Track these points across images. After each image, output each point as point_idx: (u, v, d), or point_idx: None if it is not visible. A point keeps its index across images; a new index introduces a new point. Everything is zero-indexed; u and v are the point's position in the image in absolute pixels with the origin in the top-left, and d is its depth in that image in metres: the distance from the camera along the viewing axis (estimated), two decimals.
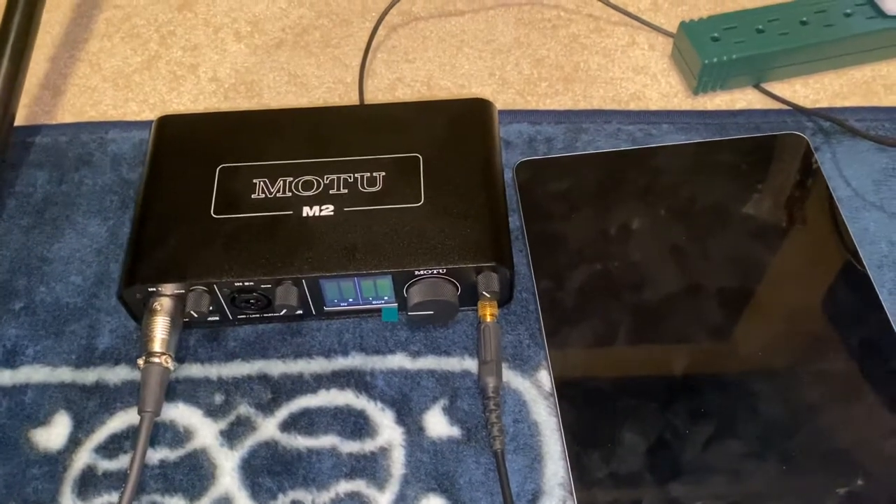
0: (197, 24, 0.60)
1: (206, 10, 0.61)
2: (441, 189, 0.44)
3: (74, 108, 0.56)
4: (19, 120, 0.53)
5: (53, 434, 0.42)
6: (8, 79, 0.49)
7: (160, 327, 0.41)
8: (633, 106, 0.54)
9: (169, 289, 0.41)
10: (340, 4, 0.60)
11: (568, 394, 0.41)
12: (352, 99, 0.55)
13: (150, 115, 0.55)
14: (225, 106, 0.55)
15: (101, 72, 0.57)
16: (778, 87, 0.54)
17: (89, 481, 0.40)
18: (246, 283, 0.41)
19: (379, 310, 0.44)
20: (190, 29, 0.60)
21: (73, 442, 0.41)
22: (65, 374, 0.44)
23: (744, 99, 0.54)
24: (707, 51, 0.52)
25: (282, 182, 0.44)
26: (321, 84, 0.56)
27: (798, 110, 0.52)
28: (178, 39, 0.59)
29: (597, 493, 0.38)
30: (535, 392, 0.42)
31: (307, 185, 0.44)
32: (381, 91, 0.55)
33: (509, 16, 0.59)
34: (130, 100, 0.56)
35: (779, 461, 0.39)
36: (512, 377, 0.43)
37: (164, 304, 0.41)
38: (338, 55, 0.58)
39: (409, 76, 0.56)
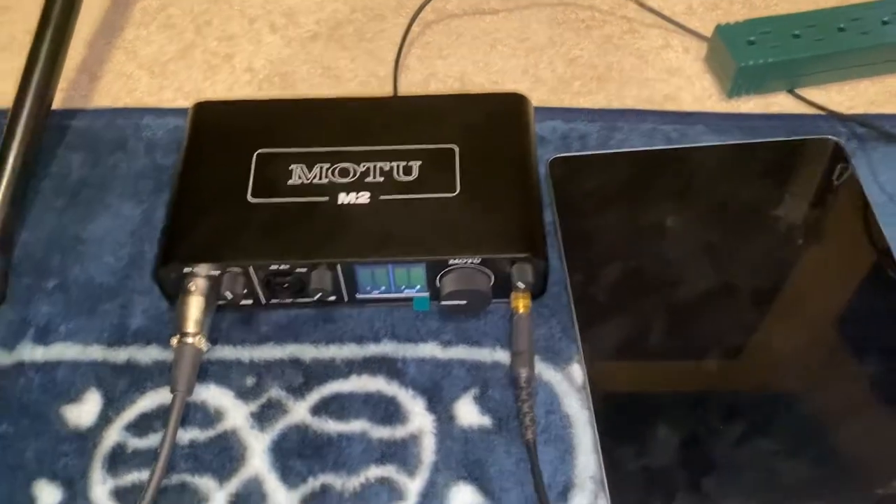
0: (232, 14, 0.60)
1: (241, 2, 0.61)
2: (476, 180, 0.44)
3: (110, 93, 0.56)
4: (56, 104, 0.53)
5: (84, 411, 0.42)
6: (49, 59, 0.50)
7: (195, 307, 0.41)
8: (666, 107, 0.54)
9: (204, 269, 0.41)
10: (374, 0, 0.61)
11: (601, 387, 0.41)
12: (385, 92, 0.55)
13: (185, 102, 0.55)
14: (259, 96, 0.55)
15: (136, 59, 0.58)
16: (812, 93, 0.54)
17: (119, 458, 0.40)
18: (282, 267, 0.41)
19: (410, 299, 0.44)
20: (225, 20, 0.60)
21: (104, 419, 0.41)
22: (96, 352, 0.44)
23: (778, 103, 0.54)
24: (743, 54, 0.52)
25: (318, 169, 0.44)
26: (354, 77, 0.56)
27: (832, 116, 0.52)
28: (214, 30, 0.59)
29: (629, 486, 0.38)
30: (566, 385, 0.42)
31: (343, 173, 0.44)
32: (415, 86, 0.56)
33: (543, 15, 0.59)
34: (165, 87, 0.56)
35: (813, 461, 0.38)
36: (544, 370, 0.42)
37: (199, 285, 0.41)
38: (371, 49, 0.58)
39: (442, 72, 0.56)
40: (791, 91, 0.54)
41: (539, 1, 0.60)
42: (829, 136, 0.50)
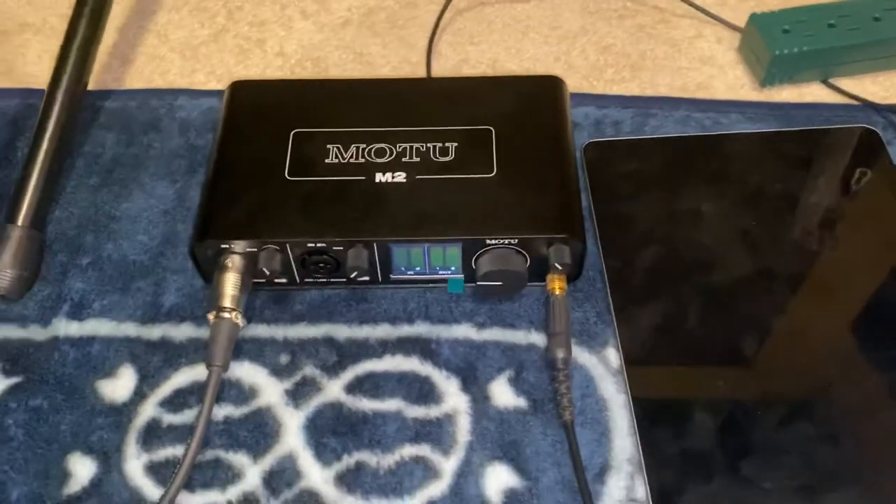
0: (264, 0, 0.60)
1: None
2: (513, 161, 0.44)
3: (142, 76, 0.56)
4: (88, 86, 0.53)
5: (119, 386, 0.42)
6: (85, 40, 0.50)
7: (231, 283, 0.41)
8: (700, 95, 0.53)
9: (241, 246, 0.41)
10: None
11: (637, 371, 0.41)
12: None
13: (217, 85, 0.55)
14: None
15: (168, 42, 0.58)
16: (847, 83, 0.53)
17: (154, 433, 0.40)
18: (318, 244, 0.41)
19: (444, 280, 0.44)
20: (257, 5, 0.60)
21: (138, 394, 0.41)
22: (130, 328, 0.44)
23: (812, 93, 0.53)
24: (777, 42, 0.52)
25: (355, 148, 0.44)
26: (387, 63, 0.56)
27: (868, 105, 0.52)
28: (246, 14, 0.60)
29: (667, 469, 0.38)
30: (602, 368, 0.42)
31: (380, 153, 0.44)
32: (447, 72, 0.55)
33: (575, 4, 0.59)
34: (197, 70, 0.56)
35: (852, 445, 0.38)
36: (579, 353, 0.42)
37: (235, 262, 0.41)
38: (403, 36, 0.58)
39: (474, 58, 0.56)
40: (825, 81, 0.54)
41: None
42: (866, 126, 0.50)
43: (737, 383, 0.40)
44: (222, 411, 0.41)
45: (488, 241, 0.42)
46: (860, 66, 0.53)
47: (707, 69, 0.55)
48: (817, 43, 0.52)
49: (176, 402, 0.41)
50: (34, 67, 0.57)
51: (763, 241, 0.45)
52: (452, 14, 0.59)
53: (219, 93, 0.52)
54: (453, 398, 0.41)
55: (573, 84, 0.54)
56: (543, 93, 0.47)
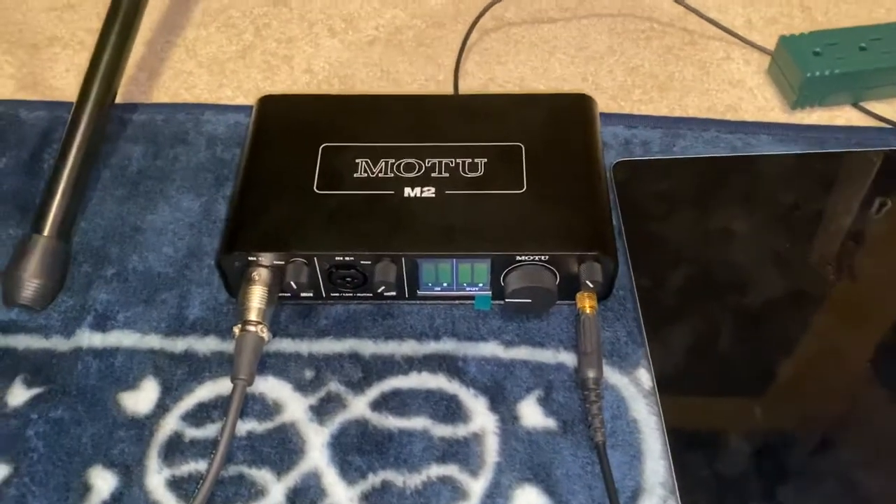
0: (292, 18, 0.61)
1: (300, 6, 0.61)
2: (543, 178, 0.43)
3: (169, 90, 0.56)
4: (116, 98, 0.53)
5: (141, 398, 0.41)
6: (115, 53, 0.50)
7: (258, 297, 0.40)
8: (728, 117, 0.53)
9: (268, 259, 0.41)
10: (433, 7, 0.61)
11: (670, 392, 0.40)
12: None
13: (245, 100, 0.55)
14: None
15: (196, 58, 0.58)
16: (878, 107, 0.53)
17: (176, 447, 0.40)
18: (346, 258, 0.41)
19: (471, 297, 0.44)
20: (285, 22, 0.60)
21: (161, 408, 0.41)
22: (154, 341, 0.43)
23: (843, 116, 0.53)
24: (809, 64, 0.51)
25: (384, 163, 0.44)
26: (413, 81, 0.56)
27: None
28: (273, 32, 0.60)
29: (700, 493, 0.37)
30: (633, 389, 0.41)
31: (409, 168, 0.44)
32: (474, 90, 0.55)
33: (602, 25, 0.59)
34: (224, 85, 0.56)
35: (891, 471, 0.37)
36: (610, 373, 0.41)
37: (262, 275, 0.41)
38: (430, 54, 0.58)
39: (501, 77, 0.56)
40: (856, 104, 0.53)
41: (597, 11, 0.60)
42: None
43: (771, 407, 0.39)
44: (246, 426, 0.40)
45: (518, 258, 0.41)
46: (892, 90, 0.53)
47: (736, 91, 0.55)
48: (848, 66, 0.51)
49: (199, 416, 0.41)
50: (61, 81, 0.57)
51: (795, 263, 0.44)
52: (479, 34, 0.59)
53: (246, 108, 0.52)
54: (481, 417, 0.40)
55: (601, 104, 0.53)
56: (573, 110, 0.47)
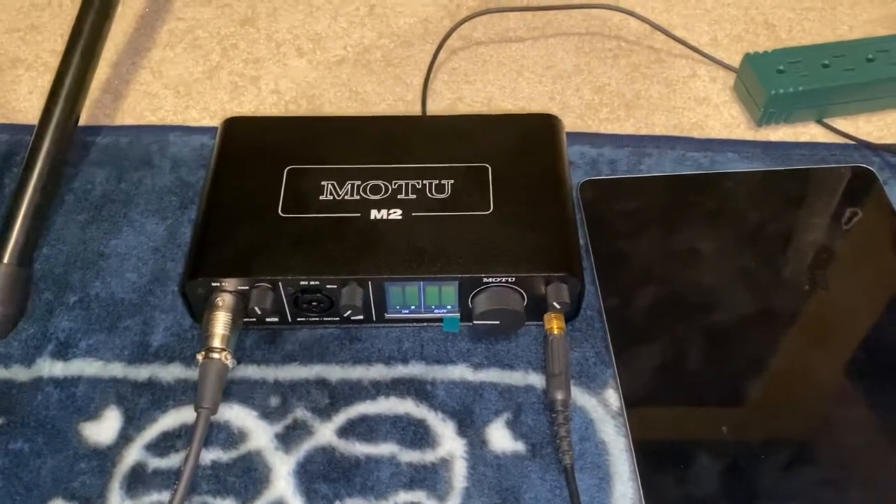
0: (259, 38, 0.60)
1: (268, 26, 0.61)
2: (510, 199, 0.43)
3: (135, 112, 0.56)
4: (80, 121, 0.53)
5: (104, 428, 0.40)
6: (77, 76, 0.49)
7: (221, 323, 0.40)
8: (695, 135, 0.53)
9: (232, 284, 0.41)
10: (401, 27, 0.61)
11: (638, 413, 0.40)
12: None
13: (211, 122, 0.55)
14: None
15: (162, 79, 0.58)
16: (841, 123, 0.53)
17: (139, 478, 0.39)
18: (312, 282, 0.40)
19: (440, 319, 0.43)
20: (252, 42, 0.60)
21: (124, 437, 0.40)
22: (116, 369, 0.42)
23: (807, 133, 0.53)
24: (773, 82, 0.52)
25: (350, 185, 0.44)
26: (382, 101, 0.56)
27: (863, 145, 0.52)
28: (241, 52, 0.59)
29: None
30: (601, 410, 0.41)
31: (375, 190, 0.44)
32: (442, 110, 0.55)
33: (569, 44, 0.59)
34: (191, 107, 0.56)
35: (860, 490, 0.37)
36: (578, 394, 0.41)
37: (226, 300, 0.40)
38: (398, 74, 0.58)
39: (469, 96, 0.56)
40: (820, 121, 0.54)
41: (564, 30, 0.60)
42: (863, 165, 0.49)
43: (739, 426, 0.39)
44: (210, 455, 0.39)
45: (485, 279, 0.41)
46: (855, 107, 0.54)
47: (702, 109, 0.55)
48: (813, 83, 0.52)
49: (162, 445, 0.40)
50: (24, 103, 0.56)
51: (762, 281, 0.44)
52: (447, 54, 0.59)
53: (212, 130, 0.51)
54: (449, 442, 0.40)
55: (568, 123, 0.54)
56: (540, 130, 0.47)
